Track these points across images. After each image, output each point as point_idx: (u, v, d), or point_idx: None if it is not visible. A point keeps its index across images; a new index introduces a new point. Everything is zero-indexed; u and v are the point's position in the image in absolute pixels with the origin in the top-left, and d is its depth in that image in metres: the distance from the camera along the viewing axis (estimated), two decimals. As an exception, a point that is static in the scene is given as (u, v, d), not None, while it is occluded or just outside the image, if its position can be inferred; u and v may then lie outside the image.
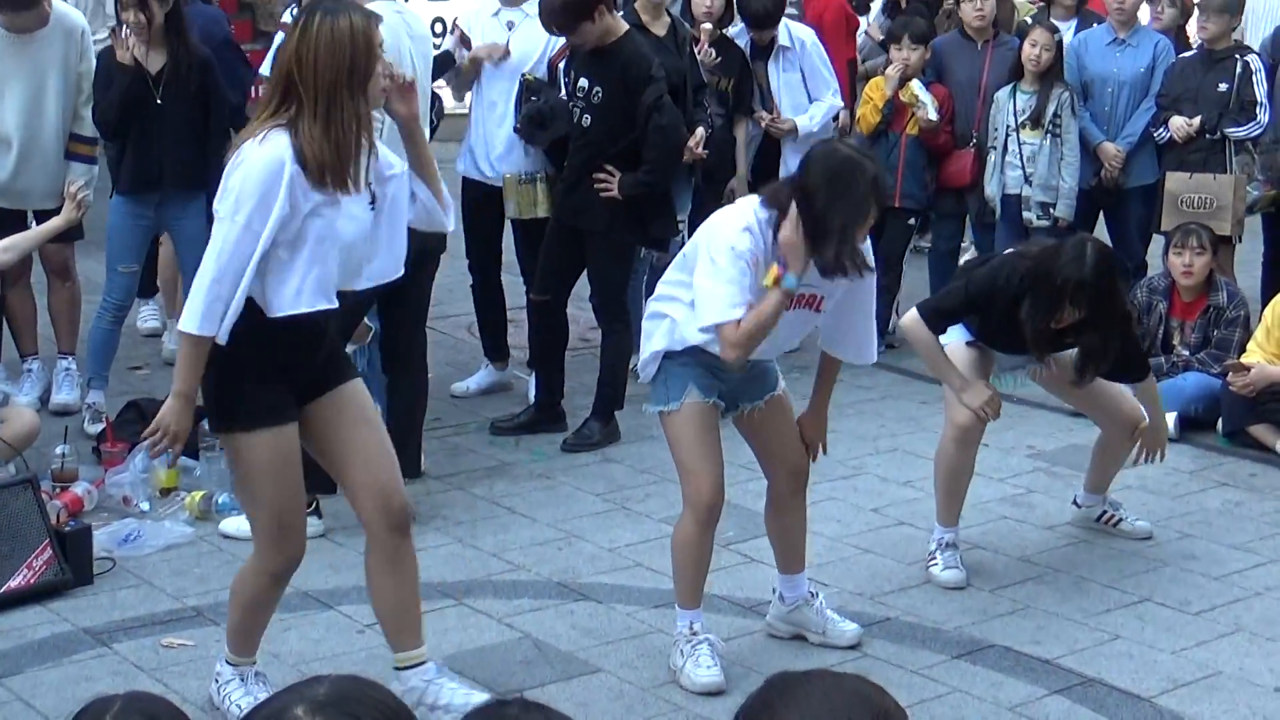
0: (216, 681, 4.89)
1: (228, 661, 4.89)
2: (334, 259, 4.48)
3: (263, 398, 4.53)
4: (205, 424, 6.62)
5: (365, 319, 6.52)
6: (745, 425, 5.37)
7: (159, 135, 7.32)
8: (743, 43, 8.79)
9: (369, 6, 5.11)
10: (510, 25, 7.76)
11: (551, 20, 7.18)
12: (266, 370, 4.51)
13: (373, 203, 4.55)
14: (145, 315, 8.95)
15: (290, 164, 4.33)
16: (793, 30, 8.88)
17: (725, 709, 4.96)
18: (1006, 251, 6.28)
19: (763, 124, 8.72)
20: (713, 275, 4.94)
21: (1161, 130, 8.77)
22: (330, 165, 4.35)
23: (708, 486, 5.17)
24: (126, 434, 6.94)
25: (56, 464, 6.57)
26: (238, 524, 6.29)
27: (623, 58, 7.15)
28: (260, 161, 4.34)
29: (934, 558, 6.04)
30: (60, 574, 5.75)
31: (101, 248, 7.89)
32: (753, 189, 8.57)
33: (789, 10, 9.74)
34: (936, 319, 5.89)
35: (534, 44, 7.69)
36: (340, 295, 4.61)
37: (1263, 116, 8.56)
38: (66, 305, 7.85)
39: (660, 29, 7.91)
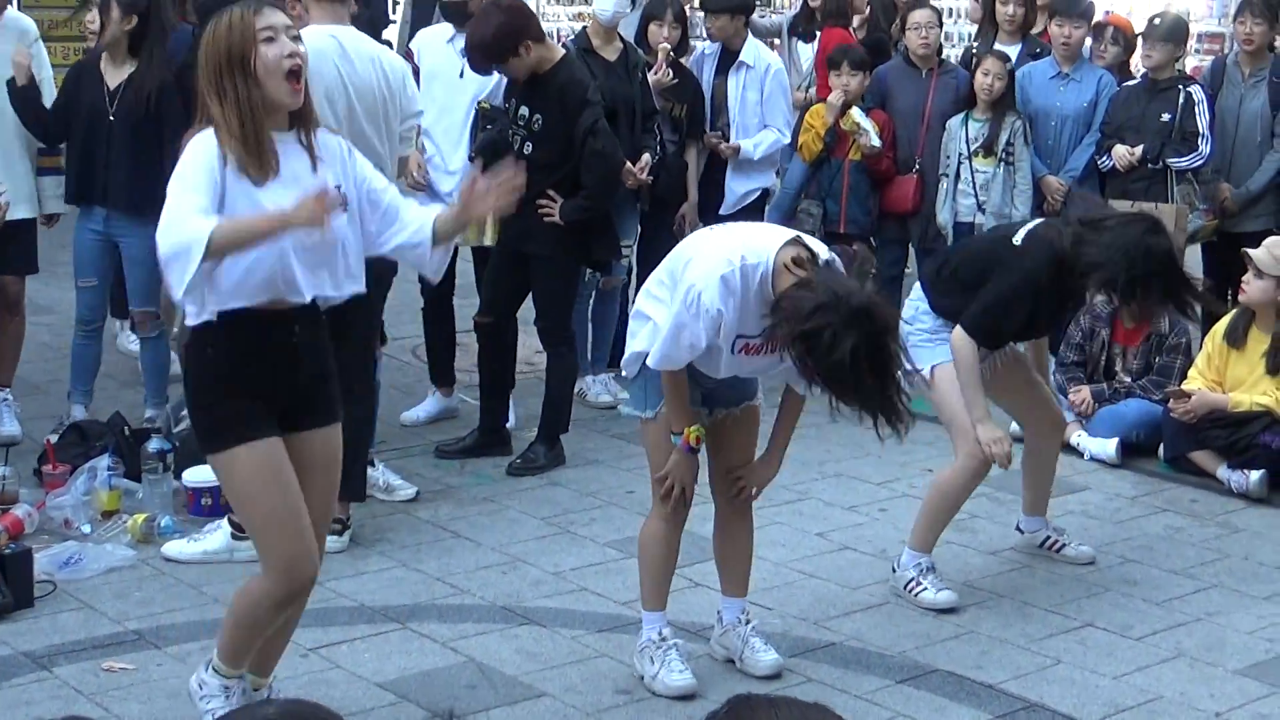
0: (201, 688, 4.71)
1: (214, 669, 4.69)
2: (282, 253, 4.38)
3: (236, 413, 4.42)
4: (148, 445, 6.67)
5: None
6: (712, 433, 5.31)
7: (108, 150, 7.29)
8: (710, 62, 8.82)
9: (306, 31, 5.10)
10: (464, 53, 7.74)
11: (475, 62, 7.20)
12: (237, 386, 4.42)
13: (344, 205, 4.49)
14: (126, 337, 8.89)
15: (216, 148, 4.36)
16: (760, 52, 8.94)
17: (670, 733, 4.98)
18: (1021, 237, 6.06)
19: (708, 143, 8.74)
20: (668, 315, 4.95)
21: (1105, 159, 8.85)
22: (241, 151, 4.35)
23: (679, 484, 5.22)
24: (68, 456, 6.89)
25: (-3, 486, 6.52)
26: (180, 547, 6.27)
27: (558, 83, 7.16)
28: (193, 149, 4.38)
29: (919, 584, 6.03)
30: (0, 597, 5.70)
31: (43, 268, 7.89)
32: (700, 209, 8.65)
33: (797, 32, 9.93)
34: (981, 335, 5.91)
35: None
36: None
37: (1204, 147, 8.64)
38: (12, 339, 7.79)
39: (611, 54, 7.93)
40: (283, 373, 4.50)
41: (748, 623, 5.45)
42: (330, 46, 6.08)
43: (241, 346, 4.43)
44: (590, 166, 7.19)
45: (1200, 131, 8.62)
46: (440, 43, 7.85)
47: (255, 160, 4.37)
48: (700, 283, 4.85)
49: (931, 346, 6.01)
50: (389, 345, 8.33)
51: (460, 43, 7.69)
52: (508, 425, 7.70)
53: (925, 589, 6.03)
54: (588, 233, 7.34)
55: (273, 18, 4.44)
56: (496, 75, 7.49)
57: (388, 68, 6.32)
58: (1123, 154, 8.71)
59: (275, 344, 4.48)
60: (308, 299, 4.50)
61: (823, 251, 4.91)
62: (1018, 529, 6.61)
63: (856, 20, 10.59)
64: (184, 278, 4.23)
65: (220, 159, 4.35)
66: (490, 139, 7.38)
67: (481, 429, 7.64)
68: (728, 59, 8.82)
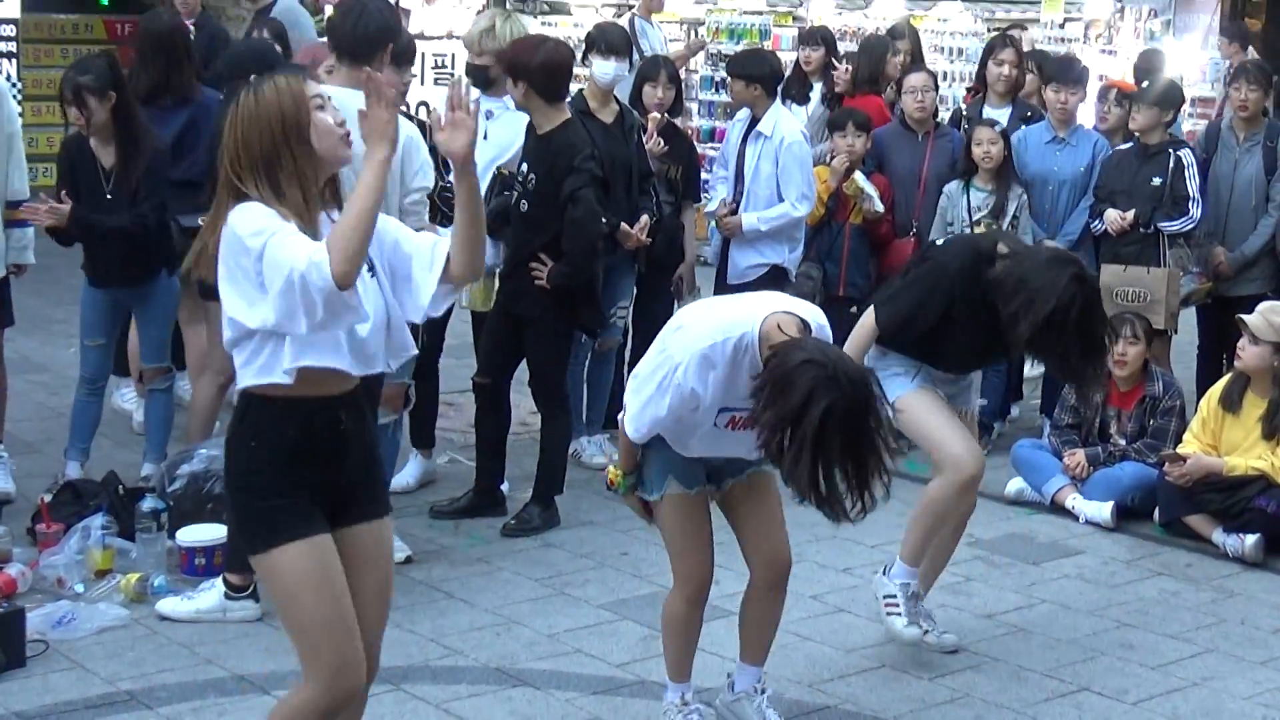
0: None
1: None
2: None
3: (286, 509, 4.17)
4: (142, 504, 6.66)
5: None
6: (726, 503, 5.27)
7: (111, 229, 7.31)
8: (739, 129, 8.76)
9: (335, 90, 5.09)
10: (489, 115, 7.77)
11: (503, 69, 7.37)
12: (286, 478, 4.18)
13: (371, 269, 4.28)
14: (121, 395, 8.89)
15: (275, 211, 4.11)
16: (780, 122, 8.66)
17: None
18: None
19: (716, 217, 8.68)
20: (648, 380, 4.93)
21: (1096, 223, 8.88)
22: (299, 223, 4.11)
23: (696, 565, 5.18)
24: (62, 515, 6.88)
25: (-10, 544, 6.51)
26: (173, 605, 6.26)
27: (554, 146, 7.21)
28: (249, 219, 4.09)
29: (896, 606, 6.02)
30: (-8, 657, 5.68)
31: (39, 326, 7.89)
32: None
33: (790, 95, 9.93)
34: (890, 327, 5.93)
35: (511, 137, 7.69)
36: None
37: (1194, 211, 8.67)
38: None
39: (608, 116, 7.96)
40: (332, 463, 4.26)
41: (763, 692, 5.38)
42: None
43: (291, 434, 4.19)
44: (569, 234, 7.20)
45: (1191, 195, 8.65)
46: None
47: (312, 233, 4.12)
48: (680, 355, 4.82)
49: (885, 384, 6.00)
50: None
51: (484, 105, 7.72)
52: (502, 487, 7.69)
53: (898, 615, 6.01)
54: (574, 298, 7.35)
55: (318, 85, 4.30)
56: (518, 144, 7.50)
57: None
58: (1114, 218, 8.74)
59: (324, 432, 4.23)
60: (378, 368, 4.32)
61: (815, 318, 4.87)
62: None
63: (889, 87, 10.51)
64: (347, 272, 3.97)
65: (264, 213, 4.10)
66: (498, 207, 7.39)
67: (477, 489, 7.63)
68: (752, 125, 8.74)
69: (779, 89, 8.94)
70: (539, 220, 7.21)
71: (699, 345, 4.78)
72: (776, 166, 8.56)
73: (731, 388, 4.78)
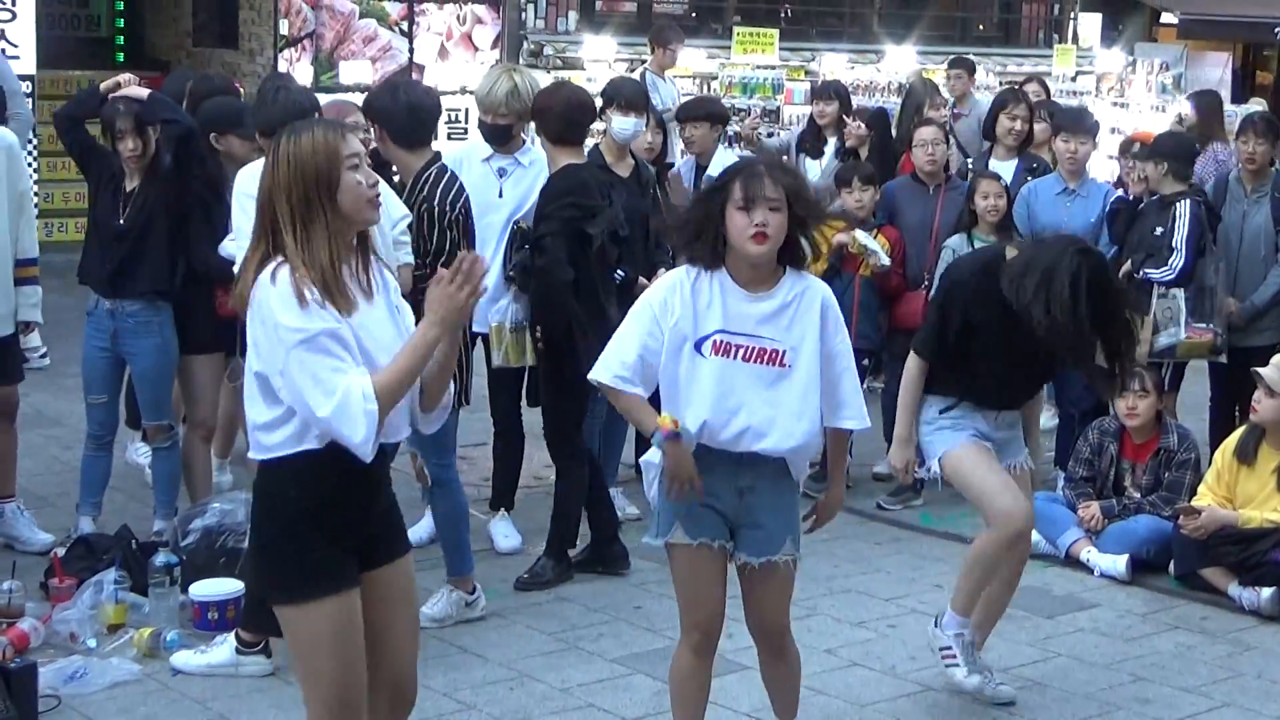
0: None
1: None
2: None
3: (323, 562, 4.22)
4: (155, 559, 6.65)
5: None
6: (739, 570, 5.20)
7: (114, 251, 7.36)
8: (687, 176, 8.87)
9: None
10: (501, 172, 7.79)
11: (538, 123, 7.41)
12: (323, 528, 4.23)
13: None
14: (135, 450, 8.88)
15: (292, 286, 4.12)
16: (726, 163, 8.84)
17: None
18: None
19: None
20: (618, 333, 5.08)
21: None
22: (323, 283, 4.15)
23: (703, 617, 5.14)
24: (75, 569, 6.88)
25: (3, 599, 6.49)
26: (186, 658, 6.25)
27: (544, 189, 7.27)
28: (274, 301, 4.13)
29: (954, 657, 6.07)
30: (5, 712, 5.66)
31: (51, 380, 7.90)
32: None
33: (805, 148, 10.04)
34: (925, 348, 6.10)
35: (525, 191, 7.71)
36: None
37: (1175, 261, 8.54)
38: (10, 447, 7.79)
39: (624, 170, 7.99)
40: (365, 509, 4.33)
41: None
42: None
43: (327, 483, 4.23)
44: (534, 282, 7.19)
45: (1175, 246, 8.58)
46: (477, 161, 7.87)
47: (338, 293, 4.17)
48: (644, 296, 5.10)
49: (932, 437, 6.08)
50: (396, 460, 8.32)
51: (497, 163, 7.74)
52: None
53: (957, 666, 6.04)
54: (562, 347, 7.27)
55: (355, 144, 4.29)
56: (533, 198, 7.51)
57: None
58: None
59: (355, 480, 4.27)
60: (403, 436, 4.41)
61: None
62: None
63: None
64: (368, 439, 4.12)
65: (296, 295, 4.12)
66: (521, 261, 7.39)
67: (593, 541, 7.62)
68: (700, 174, 8.87)
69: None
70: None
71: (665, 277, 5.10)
72: None
73: (712, 308, 4.93)
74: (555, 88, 7.49)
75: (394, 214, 6.47)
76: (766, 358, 4.95)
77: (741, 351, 4.94)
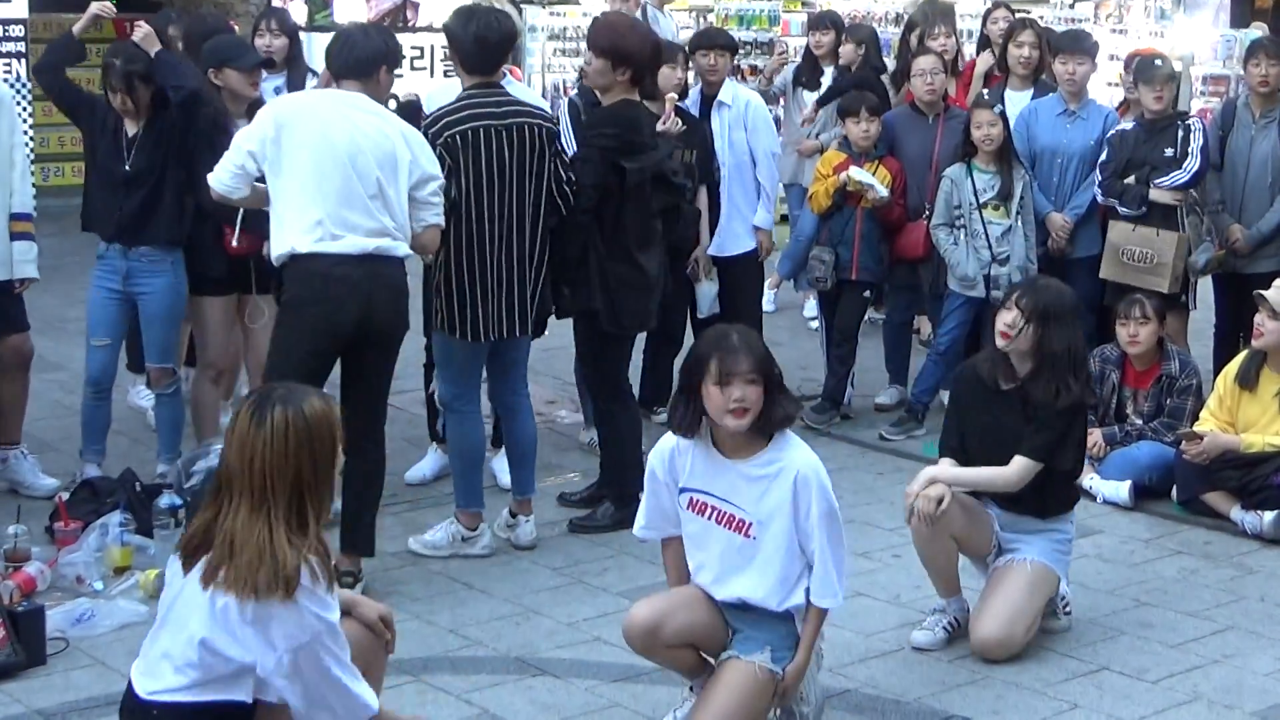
0: None
1: None
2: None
3: None
4: (160, 501, 6.67)
5: None
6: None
7: (124, 196, 7.35)
8: (692, 109, 8.83)
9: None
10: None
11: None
12: None
13: None
14: (137, 393, 8.89)
15: (308, 574, 4.09)
16: (737, 90, 9.01)
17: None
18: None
19: (696, 264, 8.67)
20: None
21: (1101, 195, 8.82)
22: (328, 569, 4.14)
23: (637, 614, 5.19)
24: (80, 513, 6.89)
25: (9, 544, 6.51)
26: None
27: (588, 121, 7.22)
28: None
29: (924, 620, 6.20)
30: (13, 655, 5.69)
31: (54, 326, 7.89)
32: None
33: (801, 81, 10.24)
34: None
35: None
36: None
37: (1190, 164, 8.56)
38: (20, 396, 7.79)
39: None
40: None
41: None
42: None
43: None
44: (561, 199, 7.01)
45: (1191, 153, 8.58)
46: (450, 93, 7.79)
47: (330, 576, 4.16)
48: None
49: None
50: (401, 397, 8.33)
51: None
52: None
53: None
54: (585, 277, 7.13)
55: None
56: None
57: None
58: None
59: None
60: None
61: None
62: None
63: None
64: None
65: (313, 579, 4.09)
66: None
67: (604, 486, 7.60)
68: (707, 104, 8.83)
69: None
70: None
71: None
72: (746, 130, 8.81)
73: (695, 467, 5.13)
74: (629, 27, 7.39)
75: (426, 171, 6.36)
76: (734, 525, 5.08)
77: (715, 514, 5.11)
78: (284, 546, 4.03)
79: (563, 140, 7.30)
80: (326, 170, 6.11)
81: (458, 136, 6.61)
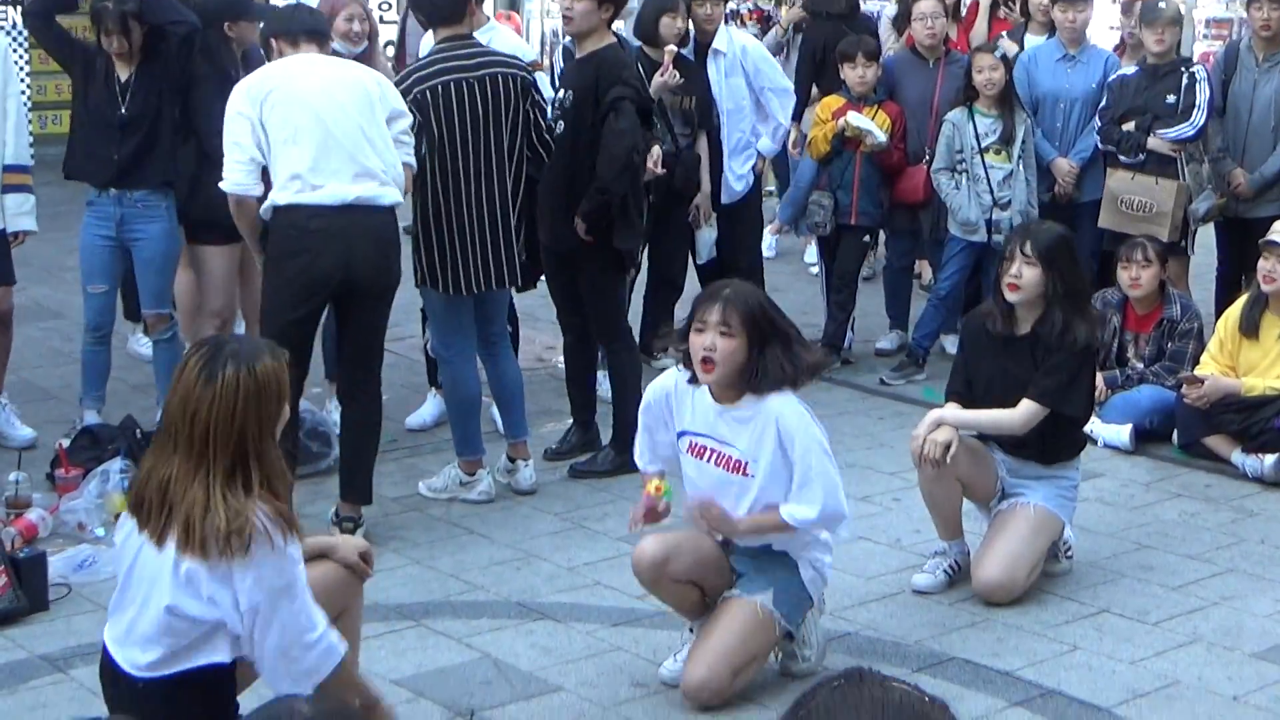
0: None
1: None
2: None
3: None
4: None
5: None
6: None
7: (120, 142, 7.32)
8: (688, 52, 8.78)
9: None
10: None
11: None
12: None
13: None
14: (136, 340, 8.87)
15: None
16: (731, 35, 8.97)
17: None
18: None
19: (697, 210, 8.61)
20: None
21: (1101, 141, 8.81)
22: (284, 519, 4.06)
23: (646, 547, 5.20)
24: (81, 460, 6.90)
25: (10, 490, 6.52)
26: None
27: (596, 61, 7.08)
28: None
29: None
30: (15, 601, 5.70)
31: (51, 274, 7.87)
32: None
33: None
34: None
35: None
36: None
37: (1196, 117, 8.56)
38: (4, 350, 7.77)
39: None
40: None
41: None
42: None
43: None
44: (606, 142, 6.98)
45: (1197, 104, 8.57)
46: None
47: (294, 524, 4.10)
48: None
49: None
50: (401, 344, 8.33)
51: None
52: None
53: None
54: (610, 220, 7.11)
55: None
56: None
57: None
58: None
59: None
60: None
61: None
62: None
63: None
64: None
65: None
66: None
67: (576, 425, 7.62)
68: (702, 52, 8.78)
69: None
70: (571, 138, 7.05)
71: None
72: (746, 76, 8.76)
73: (681, 407, 5.18)
74: None
75: (395, 109, 6.36)
76: (731, 465, 5.12)
77: (714, 456, 5.14)
78: (220, 504, 3.93)
79: (551, 85, 7.28)
80: (303, 123, 6.13)
81: (427, 92, 6.61)
